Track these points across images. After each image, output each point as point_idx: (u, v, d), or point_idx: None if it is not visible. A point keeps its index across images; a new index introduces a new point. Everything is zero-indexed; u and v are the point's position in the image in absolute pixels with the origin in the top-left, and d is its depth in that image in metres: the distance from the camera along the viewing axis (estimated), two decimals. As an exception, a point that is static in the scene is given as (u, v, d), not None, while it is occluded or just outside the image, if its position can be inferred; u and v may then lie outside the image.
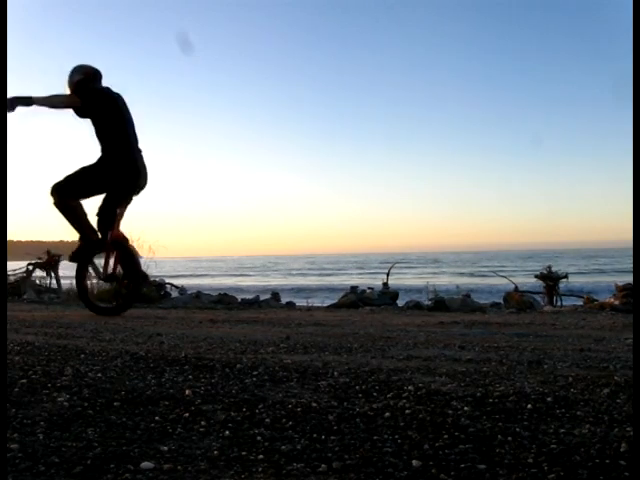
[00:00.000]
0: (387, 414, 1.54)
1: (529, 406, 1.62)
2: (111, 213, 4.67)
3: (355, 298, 7.14)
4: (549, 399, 1.71)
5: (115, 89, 4.70)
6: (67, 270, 11.17)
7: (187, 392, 1.76)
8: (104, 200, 4.68)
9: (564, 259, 42.62)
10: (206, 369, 2.15)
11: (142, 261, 5.00)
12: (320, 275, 38.75)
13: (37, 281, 9.39)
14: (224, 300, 7.37)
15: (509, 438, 1.33)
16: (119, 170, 4.56)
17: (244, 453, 1.23)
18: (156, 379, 1.96)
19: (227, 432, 1.37)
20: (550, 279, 8.03)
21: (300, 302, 8.31)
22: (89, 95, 4.55)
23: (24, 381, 1.86)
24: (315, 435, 1.36)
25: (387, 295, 7.60)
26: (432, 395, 1.76)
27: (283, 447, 1.27)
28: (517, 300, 6.99)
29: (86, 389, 1.78)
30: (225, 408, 1.59)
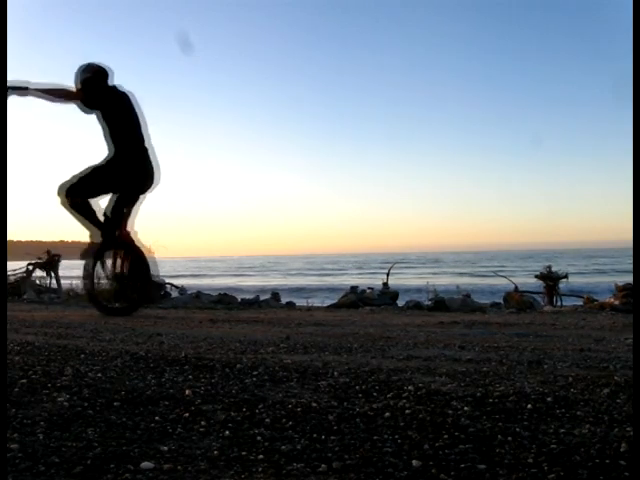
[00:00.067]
0: (387, 414, 1.54)
1: (529, 406, 1.62)
2: (119, 212, 4.68)
3: (355, 298, 7.13)
4: (549, 399, 1.71)
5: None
6: (67, 270, 11.17)
7: (187, 392, 1.75)
8: (112, 199, 4.68)
9: (564, 259, 42.57)
10: (206, 369, 2.15)
11: (152, 261, 4.96)
12: (320, 275, 38.72)
13: (37, 281, 9.38)
14: (224, 300, 7.37)
15: (509, 438, 1.33)
16: (127, 168, 4.56)
17: (244, 453, 1.23)
18: (156, 379, 1.96)
19: (227, 432, 1.37)
20: (550, 279, 8.03)
21: (300, 302, 8.31)
22: (97, 93, 4.55)
23: (24, 381, 1.86)
24: (315, 435, 1.36)
25: (387, 295, 7.60)
26: (432, 395, 1.76)
27: (283, 447, 1.27)
28: (517, 300, 6.99)
29: (86, 389, 1.78)
30: (225, 408, 1.59)
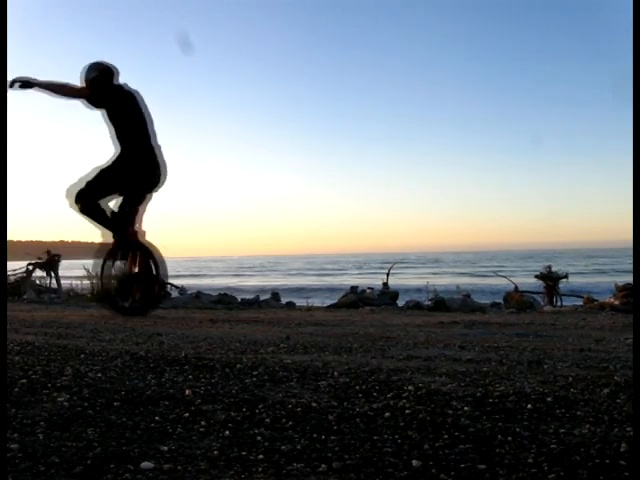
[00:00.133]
0: (387, 414, 1.54)
1: (529, 406, 1.62)
2: (128, 211, 4.67)
3: (355, 298, 7.13)
4: (549, 399, 1.71)
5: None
6: (67, 270, 11.17)
7: (187, 392, 1.75)
8: (121, 198, 4.68)
9: (564, 259, 42.57)
10: (206, 369, 2.15)
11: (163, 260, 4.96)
12: (320, 275, 38.71)
13: (37, 281, 9.38)
14: (224, 300, 7.37)
15: (509, 438, 1.33)
16: (134, 166, 4.56)
17: (244, 453, 1.23)
18: (156, 379, 1.96)
19: (227, 432, 1.37)
20: (550, 279, 8.03)
21: (300, 302, 8.31)
22: (104, 91, 4.55)
23: (24, 381, 1.86)
24: (315, 435, 1.36)
25: (387, 295, 7.60)
26: (432, 395, 1.76)
27: (283, 447, 1.27)
28: (517, 300, 6.99)
29: (86, 389, 1.78)
30: (225, 408, 1.59)
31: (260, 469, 1.15)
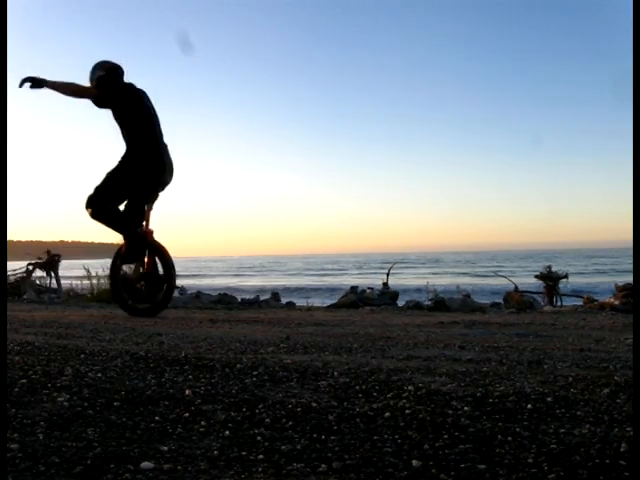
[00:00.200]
0: (387, 414, 1.54)
1: (529, 406, 1.62)
2: (139, 210, 4.66)
3: (355, 298, 7.13)
4: (549, 399, 1.71)
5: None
6: (67, 270, 11.17)
7: (187, 392, 1.75)
8: (131, 197, 4.66)
9: (564, 259, 42.57)
10: (206, 369, 2.15)
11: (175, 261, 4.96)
12: (320, 275, 38.72)
13: (37, 281, 9.38)
14: (224, 300, 7.37)
15: (509, 438, 1.33)
16: (144, 165, 4.55)
17: (244, 453, 1.23)
18: (156, 379, 1.96)
19: (227, 432, 1.37)
20: (550, 279, 8.03)
21: (300, 302, 8.32)
22: (112, 90, 4.55)
23: (24, 381, 1.86)
24: (315, 435, 1.36)
25: (387, 295, 7.60)
26: (432, 395, 1.76)
27: (283, 447, 1.27)
28: (517, 300, 6.99)
29: (86, 389, 1.78)
30: (225, 408, 1.59)
31: (260, 469, 1.15)
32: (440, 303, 6.44)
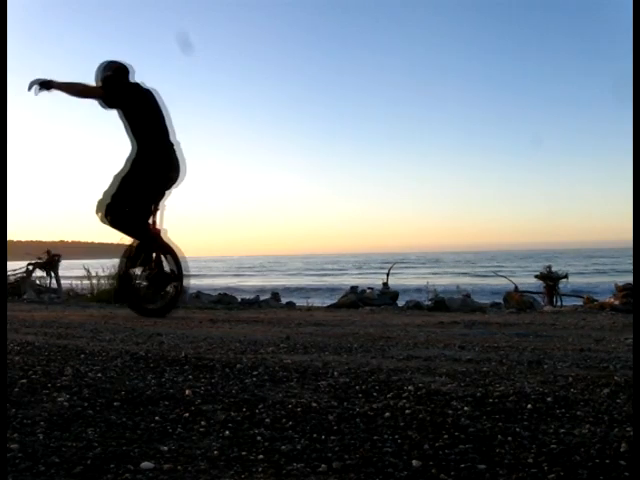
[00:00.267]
0: (387, 414, 1.54)
1: (529, 406, 1.62)
2: (147, 209, 4.66)
3: (355, 298, 7.13)
4: (549, 399, 1.71)
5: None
6: (67, 270, 11.17)
7: (187, 392, 1.75)
8: (139, 196, 4.64)
9: (564, 259, 42.57)
10: (206, 369, 2.15)
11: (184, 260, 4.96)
12: (320, 275, 38.71)
13: (37, 281, 9.38)
14: (224, 300, 7.37)
15: (509, 438, 1.33)
16: (152, 163, 4.54)
17: (244, 453, 1.23)
18: (156, 379, 1.96)
19: (227, 432, 1.37)
20: (550, 279, 8.03)
21: (300, 302, 8.31)
22: (119, 90, 4.54)
23: (24, 381, 1.86)
24: (315, 435, 1.36)
25: (387, 295, 7.60)
26: (432, 395, 1.76)
27: (283, 447, 1.27)
28: (517, 300, 6.99)
29: (86, 389, 1.78)
30: (225, 408, 1.59)
31: (260, 469, 1.15)
32: (440, 303, 6.44)
